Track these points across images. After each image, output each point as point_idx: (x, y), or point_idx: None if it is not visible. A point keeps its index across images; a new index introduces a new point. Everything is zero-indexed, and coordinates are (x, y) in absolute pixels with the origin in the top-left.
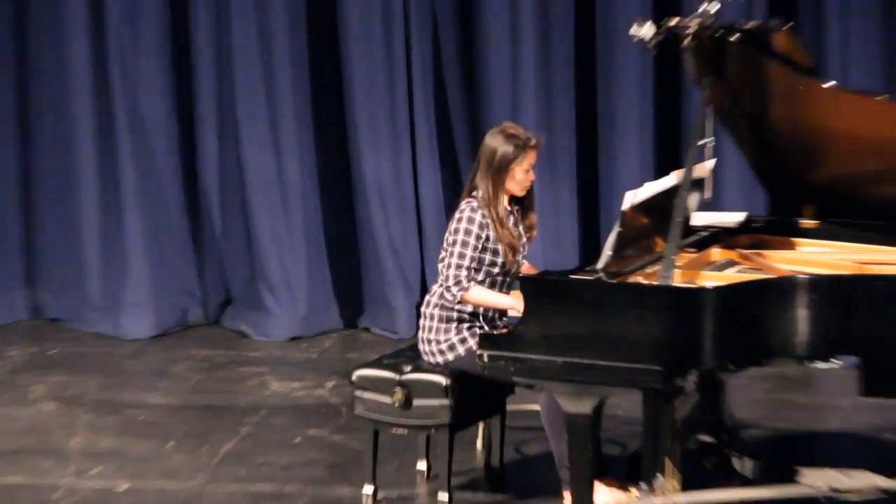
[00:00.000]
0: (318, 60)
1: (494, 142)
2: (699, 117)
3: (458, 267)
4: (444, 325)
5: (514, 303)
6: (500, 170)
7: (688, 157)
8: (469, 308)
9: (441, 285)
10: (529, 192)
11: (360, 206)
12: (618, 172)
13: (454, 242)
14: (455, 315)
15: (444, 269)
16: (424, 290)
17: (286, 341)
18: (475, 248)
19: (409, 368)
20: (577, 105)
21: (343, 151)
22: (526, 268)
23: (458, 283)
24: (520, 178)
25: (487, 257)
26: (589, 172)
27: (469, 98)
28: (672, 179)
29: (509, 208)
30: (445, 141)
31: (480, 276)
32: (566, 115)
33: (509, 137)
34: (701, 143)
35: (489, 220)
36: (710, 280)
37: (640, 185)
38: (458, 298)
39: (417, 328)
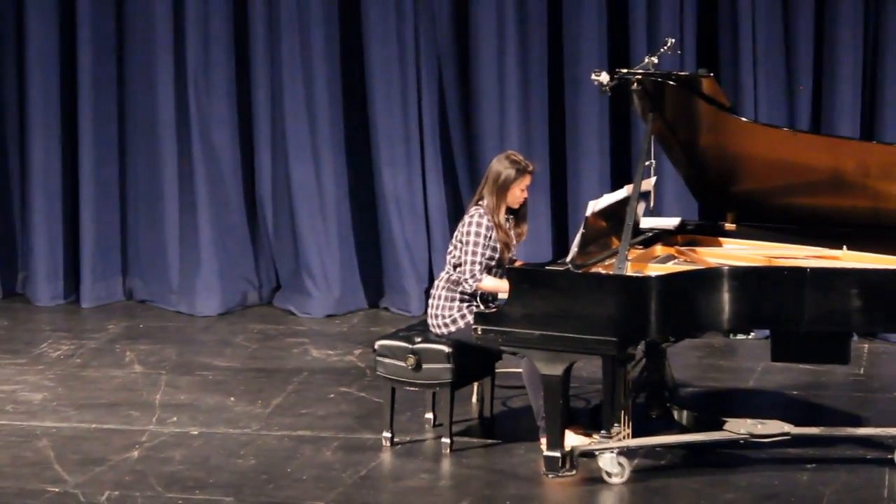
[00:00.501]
0: (349, 98)
1: (500, 165)
2: (644, 143)
3: (473, 263)
4: (447, 304)
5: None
6: (502, 187)
7: (636, 174)
8: (469, 290)
9: (448, 272)
10: (523, 206)
11: (381, 212)
12: (582, 186)
13: (468, 242)
14: (457, 297)
15: (461, 265)
16: (431, 277)
17: (323, 318)
18: (484, 246)
19: (419, 339)
20: (550, 134)
21: (368, 169)
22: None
23: (473, 275)
24: (517, 196)
25: (488, 252)
26: (559, 186)
27: (467, 129)
28: (624, 192)
29: (507, 217)
30: (448, 161)
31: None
32: (541, 142)
33: (512, 163)
34: (646, 163)
35: (492, 224)
36: (654, 270)
37: (599, 196)
38: (474, 288)
39: (426, 307)
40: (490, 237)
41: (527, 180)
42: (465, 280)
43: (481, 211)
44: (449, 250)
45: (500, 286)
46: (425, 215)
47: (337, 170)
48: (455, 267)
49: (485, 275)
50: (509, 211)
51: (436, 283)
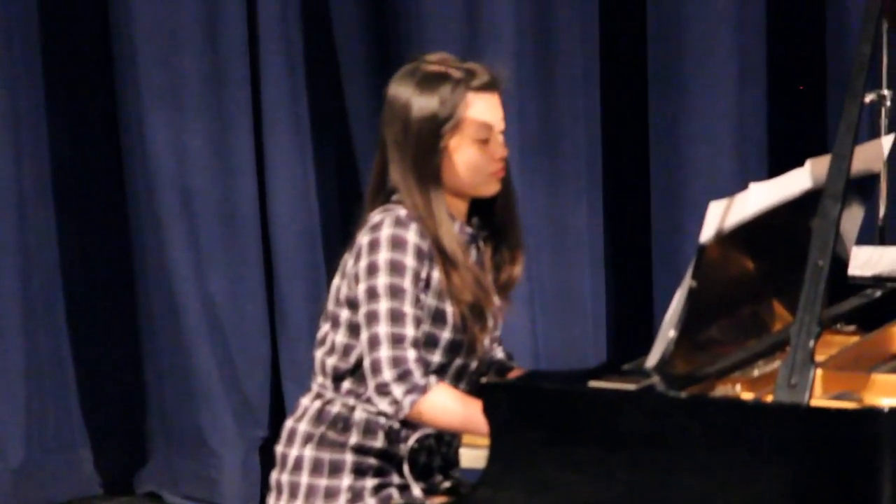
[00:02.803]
0: None
1: (404, 90)
2: (861, 43)
3: (398, 342)
4: (322, 480)
5: None
6: (424, 146)
7: (839, 127)
8: (378, 443)
9: (321, 389)
10: (505, 192)
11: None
12: (688, 164)
13: (372, 293)
14: (349, 454)
15: (369, 353)
16: (279, 413)
17: None
18: (416, 299)
19: None
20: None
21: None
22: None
23: (404, 375)
24: (473, 158)
25: (427, 321)
26: (624, 170)
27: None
28: (805, 177)
29: (469, 229)
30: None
31: None
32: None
33: (431, 79)
34: (867, 97)
35: (427, 239)
36: (888, 392)
37: (738, 187)
38: (406, 412)
39: (265, 488)
40: (425, 280)
41: (483, 106)
42: (384, 387)
43: (400, 213)
44: (322, 334)
45: (468, 417)
46: (264, 258)
47: None
48: (344, 374)
49: (437, 379)
50: (475, 211)
51: (287, 425)
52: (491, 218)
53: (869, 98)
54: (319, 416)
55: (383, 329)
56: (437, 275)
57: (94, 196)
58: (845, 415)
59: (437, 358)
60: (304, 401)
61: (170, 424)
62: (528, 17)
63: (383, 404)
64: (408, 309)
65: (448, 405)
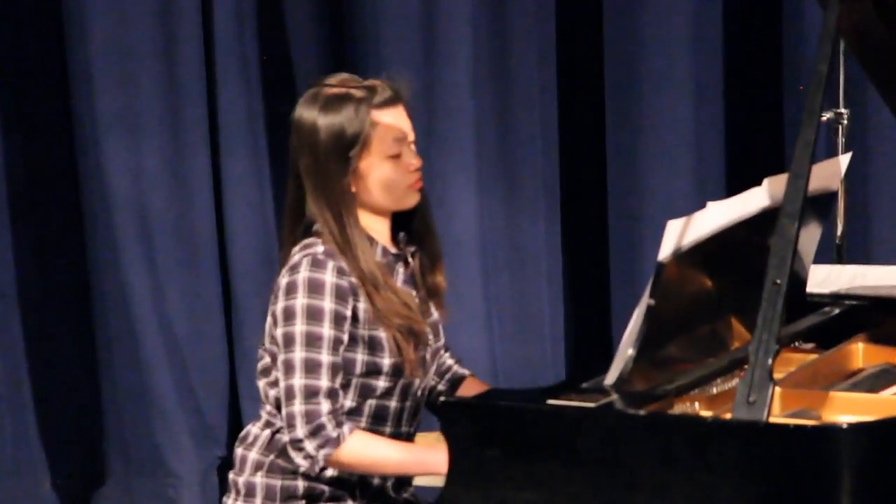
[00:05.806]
0: None
1: (308, 115)
2: (818, 61)
3: (312, 395)
4: None
5: (433, 460)
6: (335, 170)
7: (796, 146)
8: (329, 470)
9: (269, 417)
10: (422, 204)
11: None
12: (647, 182)
13: (290, 341)
14: (301, 480)
15: (284, 403)
16: (237, 432)
17: None
18: (335, 344)
19: None
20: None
21: None
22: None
23: (317, 430)
24: (388, 174)
25: (358, 358)
26: (581, 190)
27: None
28: (762, 196)
29: (394, 250)
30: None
31: (349, 402)
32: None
33: (333, 101)
34: (824, 116)
35: (352, 279)
36: (846, 409)
37: (695, 206)
38: (321, 463)
39: None
40: (350, 315)
41: (391, 121)
42: (299, 442)
43: (318, 250)
44: (262, 363)
45: (395, 458)
46: (221, 265)
47: None
48: (278, 407)
49: (351, 427)
50: (399, 227)
51: (238, 452)
52: (408, 227)
53: (826, 116)
54: (269, 445)
55: (298, 381)
56: (363, 305)
57: (51, 217)
58: (804, 432)
59: (381, 383)
60: (254, 429)
61: (128, 445)
62: (484, 41)
63: (298, 459)
64: (324, 357)
65: (364, 450)
